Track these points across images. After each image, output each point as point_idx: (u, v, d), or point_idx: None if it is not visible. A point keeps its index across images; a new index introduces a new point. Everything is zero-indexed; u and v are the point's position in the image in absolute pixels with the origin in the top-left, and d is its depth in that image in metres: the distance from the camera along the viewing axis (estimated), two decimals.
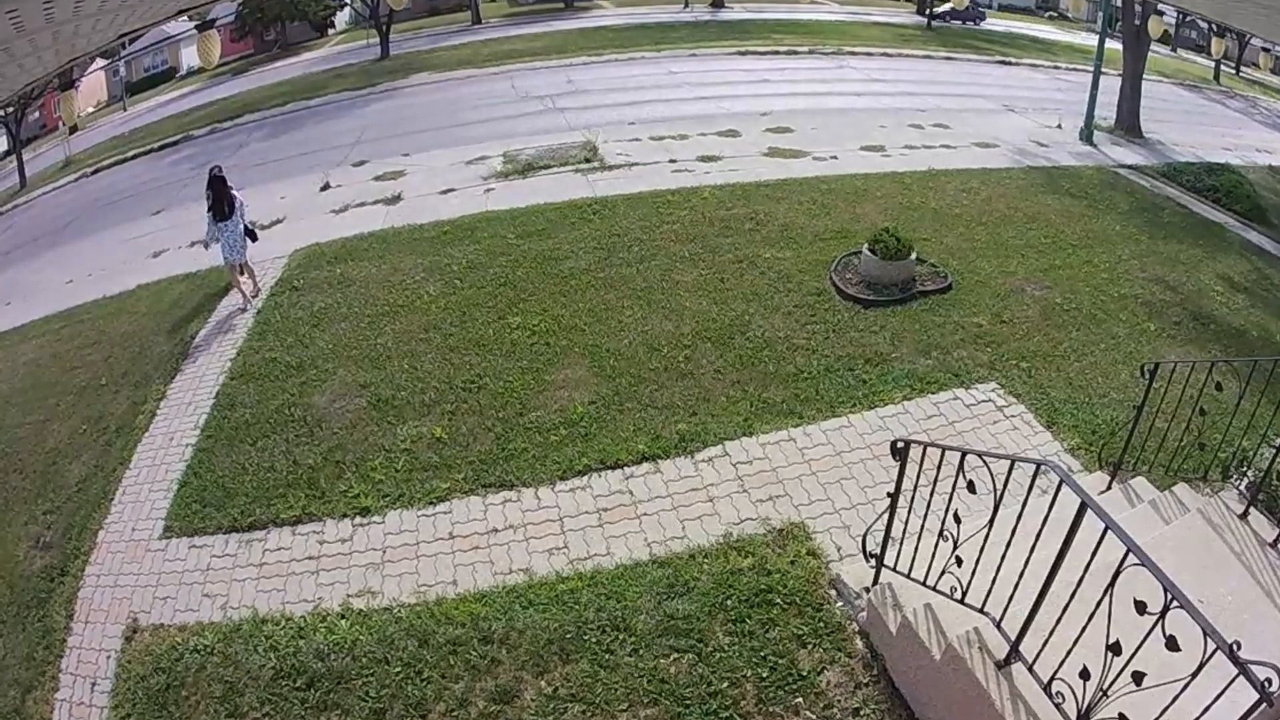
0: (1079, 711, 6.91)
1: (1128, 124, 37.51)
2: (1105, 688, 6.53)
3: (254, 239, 22.57)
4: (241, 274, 22.11)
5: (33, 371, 21.52)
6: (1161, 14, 39.75)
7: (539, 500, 13.93)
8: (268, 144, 43.27)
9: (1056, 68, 55.81)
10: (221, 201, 21.45)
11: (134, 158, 49.32)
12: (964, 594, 8.34)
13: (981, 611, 8.13)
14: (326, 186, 31.65)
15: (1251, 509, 10.27)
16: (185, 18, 55.96)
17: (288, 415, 16.85)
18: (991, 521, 7.91)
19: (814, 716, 10.05)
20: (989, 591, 8.01)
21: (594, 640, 11.05)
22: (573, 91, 44.28)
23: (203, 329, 21.01)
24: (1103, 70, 35.91)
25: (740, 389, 16.27)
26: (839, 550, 12.32)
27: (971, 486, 7.95)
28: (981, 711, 7.91)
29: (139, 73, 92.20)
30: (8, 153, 61.00)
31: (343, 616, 11.99)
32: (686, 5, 77.86)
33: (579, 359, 17.58)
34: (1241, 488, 11.35)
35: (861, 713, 9.96)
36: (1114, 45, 40.65)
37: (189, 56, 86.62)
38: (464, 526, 13.53)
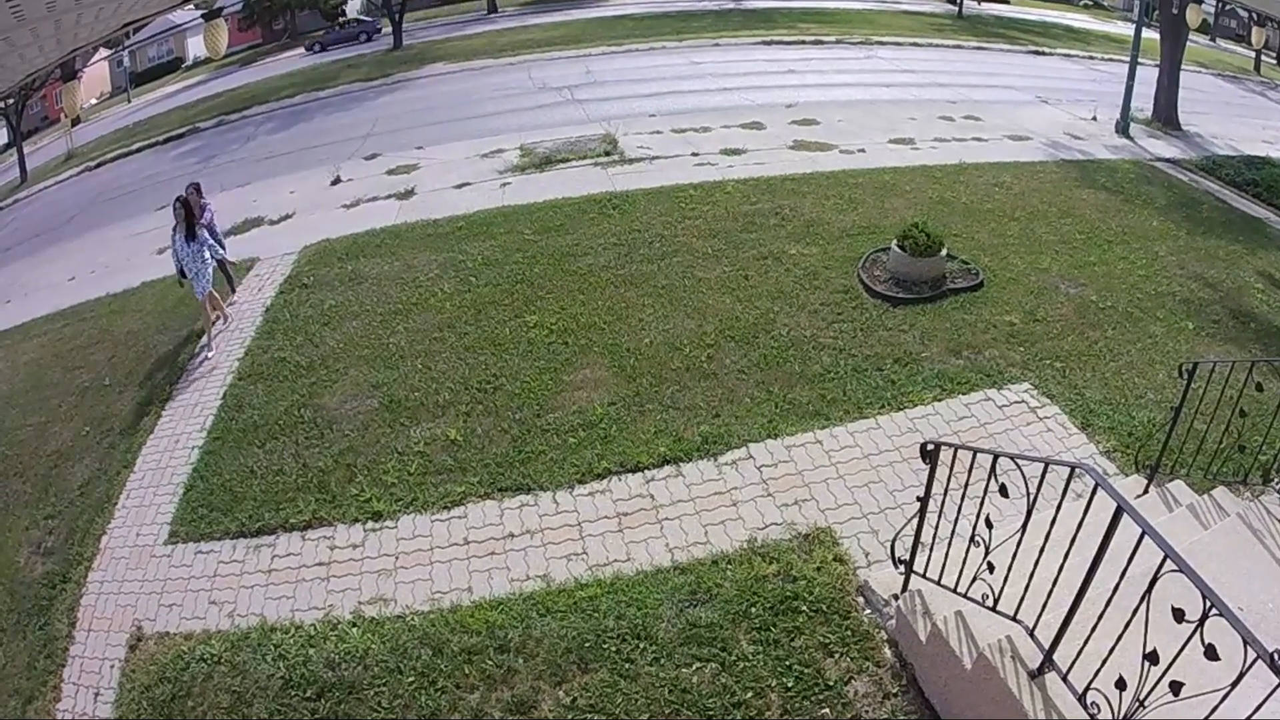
0: None
1: (1165, 116, 37.30)
2: (1142, 698, 6.52)
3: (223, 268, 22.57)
4: (214, 307, 21.08)
5: (34, 372, 21.61)
6: (1200, 2, 39.52)
7: (557, 504, 13.95)
8: (276, 137, 43.56)
9: (1091, 58, 55.57)
10: (191, 223, 20.44)
11: (138, 151, 49.60)
12: (996, 601, 8.34)
13: (1014, 619, 8.12)
14: (337, 180, 31.80)
15: None
16: (191, 6, 56.13)
17: (297, 417, 16.91)
18: (1024, 526, 7.90)
19: None
20: (1021, 599, 8.00)
21: (614, 649, 11.06)
22: (592, 82, 44.43)
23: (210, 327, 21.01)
24: (1139, 61, 35.67)
25: (765, 389, 16.27)
26: (867, 556, 12.31)
27: (1004, 490, 7.96)
28: None
29: (144, 63, 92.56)
30: (8, 146, 61.25)
31: (354, 624, 12.02)
32: None
33: (598, 359, 17.61)
34: None
35: None
36: (1151, 35, 40.52)
37: (195, 46, 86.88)
38: (479, 531, 13.55)
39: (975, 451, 9.27)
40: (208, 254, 20.55)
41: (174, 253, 20.76)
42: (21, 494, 16.68)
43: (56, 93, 66.64)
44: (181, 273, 20.77)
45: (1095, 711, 7.11)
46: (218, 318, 21.09)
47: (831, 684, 10.34)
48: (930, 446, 9.20)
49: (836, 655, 10.70)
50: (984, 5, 77.55)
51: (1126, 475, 13.19)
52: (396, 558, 13.24)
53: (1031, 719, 7.71)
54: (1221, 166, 30.79)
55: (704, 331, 18.23)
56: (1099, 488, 7.15)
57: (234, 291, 22.80)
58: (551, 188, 27.45)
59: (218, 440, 16.66)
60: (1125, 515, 6.75)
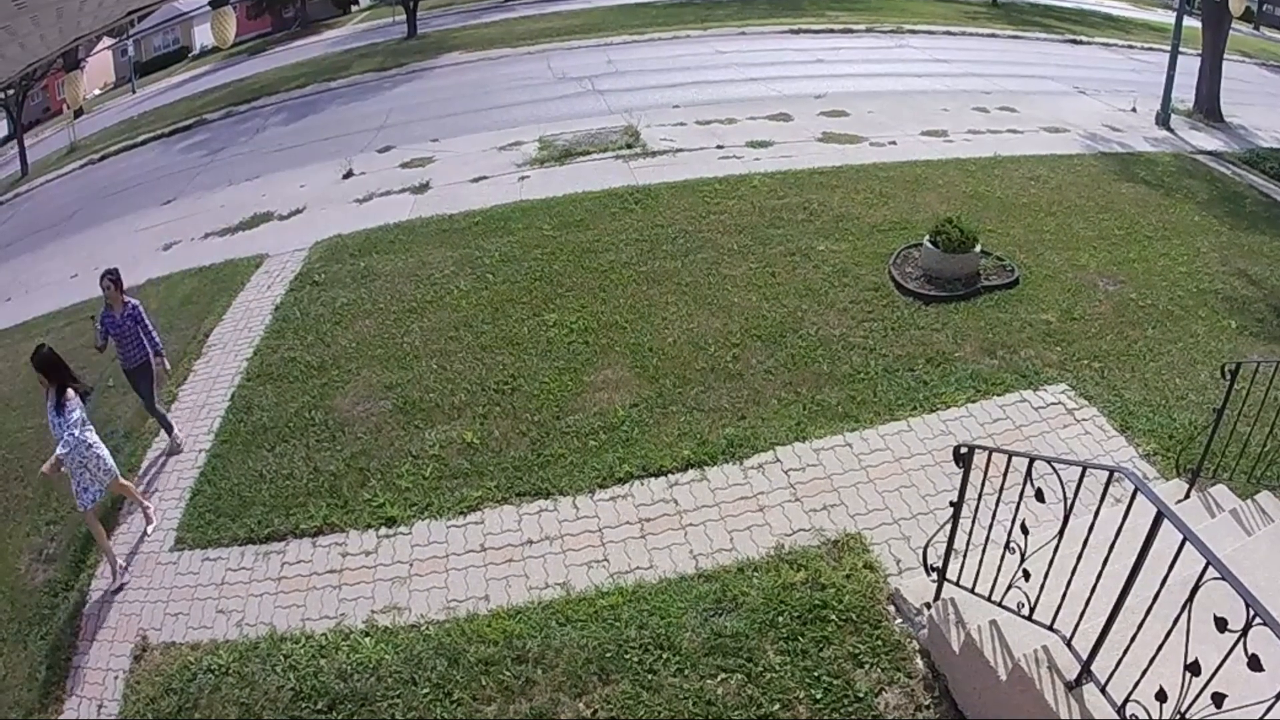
0: None
1: (1207, 107, 37.03)
2: (1183, 710, 6.52)
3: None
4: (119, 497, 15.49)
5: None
6: None
7: (577, 510, 13.99)
8: (286, 129, 43.63)
9: (1131, 47, 55.13)
10: (62, 385, 14.15)
11: (143, 143, 49.72)
12: (1032, 610, 8.36)
13: (1051, 629, 8.13)
14: (349, 174, 31.86)
15: None
16: None
17: (308, 419, 17.00)
18: (1061, 532, 7.91)
19: None
20: (1059, 607, 8.01)
21: (636, 660, 11.10)
22: (613, 72, 44.39)
23: (217, 326, 21.27)
24: (1180, 50, 35.52)
25: (792, 390, 16.28)
26: (898, 563, 12.32)
27: (1040, 495, 7.96)
28: None
29: (149, 52, 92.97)
30: (9, 138, 61.54)
31: (367, 634, 12.09)
32: None
33: (620, 358, 17.65)
34: None
35: None
36: (1193, 23, 40.32)
37: (202, 35, 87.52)
38: (497, 538, 13.60)
39: (1010, 455, 9.26)
40: (90, 437, 14.03)
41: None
42: (23, 499, 16.79)
43: (58, 83, 66.96)
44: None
45: None
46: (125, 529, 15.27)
47: (861, 696, 10.36)
48: (964, 449, 9.20)
49: (867, 666, 10.72)
50: None
51: (1167, 479, 13.15)
52: (411, 565, 13.30)
53: None
54: (1266, 159, 30.61)
55: (729, 330, 18.25)
56: (1138, 492, 7.16)
57: (174, 437, 17.21)
58: (571, 181, 27.45)
59: (225, 443, 16.77)
60: (1166, 521, 6.75)
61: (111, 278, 16.66)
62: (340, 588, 13.06)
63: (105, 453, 14.30)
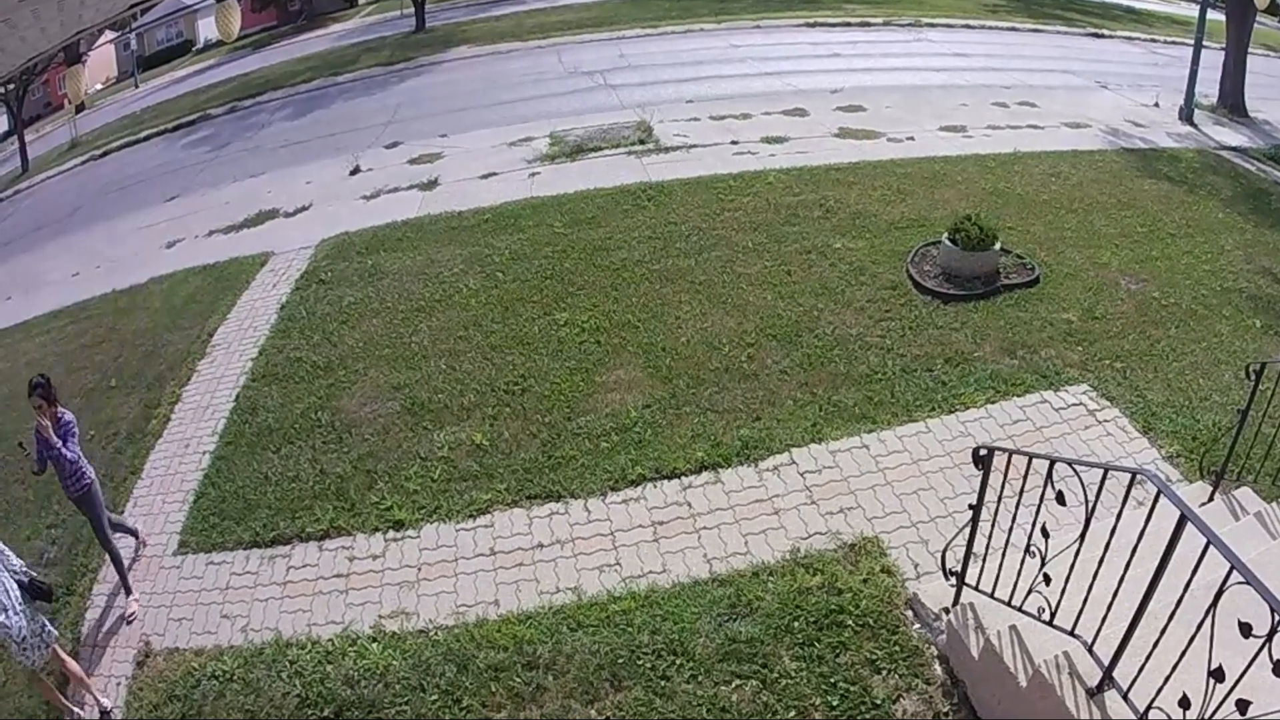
0: None
1: (1231, 102, 36.82)
2: (1207, 717, 6.51)
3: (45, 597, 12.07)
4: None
5: (36, 372, 21.51)
6: None
7: (588, 513, 13.98)
8: (292, 124, 43.61)
9: (1153, 41, 54.88)
10: None
11: (146, 139, 49.74)
12: (1053, 615, 8.35)
13: (1072, 634, 8.13)
14: (356, 170, 31.85)
15: None
16: None
17: (314, 420, 17.01)
18: (1083, 536, 7.91)
19: None
20: (1080, 612, 8.01)
21: (648, 665, 11.11)
22: (625, 67, 44.26)
23: (221, 325, 21.26)
24: (1204, 44, 35.28)
25: (808, 391, 16.25)
26: (916, 567, 12.30)
27: (1061, 498, 7.96)
28: None
29: (152, 46, 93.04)
30: (9, 133, 61.55)
31: (374, 639, 12.12)
32: None
33: (632, 358, 17.63)
34: None
35: None
36: (1216, 17, 40.18)
37: (206, 29, 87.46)
38: (507, 541, 13.61)
39: (1031, 457, 9.25)
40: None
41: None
42: (23, 501, 16.81)
43: (59, 78, 66.99)
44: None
45: None
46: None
47: (879, 703, 10.37)
48: (983, 451, 9.20)
49: (884, 672, 10.73)
50: None
51: (1190, 482, 13.17)
52: (419, 569, 13.32)
53: None
54: None
55: (744, 330, 18.23)
56: (1161, 495, 7.15)
57: (129, 592, 13.89)
58: (583, 178, 27.38)
59: (230, 445, 16.79)
60: (1189, 524, 6.75)
61: (42, 394, 13.45)
62: (347, 592, 13.08)
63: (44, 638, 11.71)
